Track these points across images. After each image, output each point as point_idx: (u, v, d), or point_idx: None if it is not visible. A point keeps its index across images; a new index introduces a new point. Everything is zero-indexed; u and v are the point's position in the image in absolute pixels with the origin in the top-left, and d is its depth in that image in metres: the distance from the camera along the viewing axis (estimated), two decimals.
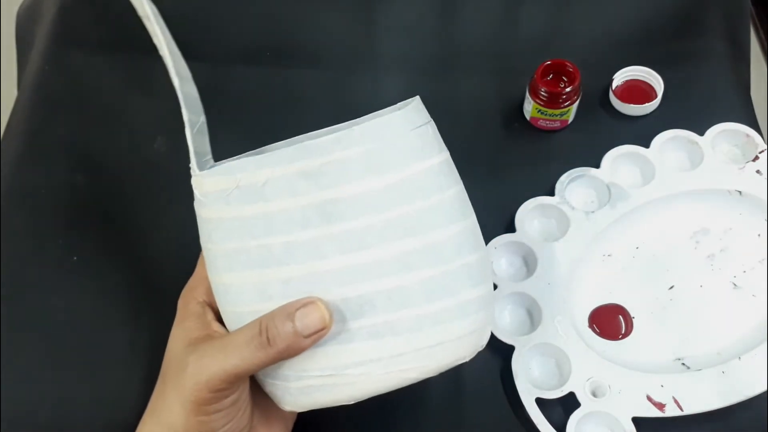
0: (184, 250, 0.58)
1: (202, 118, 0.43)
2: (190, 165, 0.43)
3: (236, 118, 0.65)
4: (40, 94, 0.67)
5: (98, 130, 0.65)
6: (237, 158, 0.44)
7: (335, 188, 0.39)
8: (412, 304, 0.40)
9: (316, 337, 0.40)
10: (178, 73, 0.43)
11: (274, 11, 0.71)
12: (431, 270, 0.40)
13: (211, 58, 0.68)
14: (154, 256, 0.59)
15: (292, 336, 0.39)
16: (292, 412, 0.48)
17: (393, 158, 0.40)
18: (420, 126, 0.42)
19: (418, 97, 0.44)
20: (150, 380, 0.53)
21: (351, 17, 0.71)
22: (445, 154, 0.43)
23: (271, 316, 0.40)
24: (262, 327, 0.40)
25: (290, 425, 0.48)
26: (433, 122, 0.44)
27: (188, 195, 0.62)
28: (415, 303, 0.40)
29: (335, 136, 0.39)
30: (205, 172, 0.41)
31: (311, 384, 0.41)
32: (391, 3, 0.72)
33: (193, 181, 0.43)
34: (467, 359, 0.43)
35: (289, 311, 0.39)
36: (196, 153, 0.43)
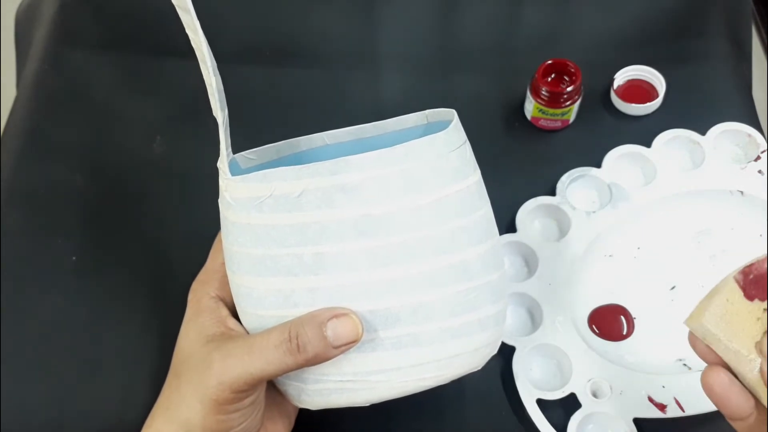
0: (184, 249, 0.59)
1: (226, 113, 0.43)
2: (219, 165, 0.43)
3: (235, 117, 0.65)
4: (39, 94, 0.67)
5: (97, 130, 0.65)
6: (247, 154, 0.42)
7: (373, 204, 0.39)
8: (436, 318, 0.40)
9: (346, 348, 0.40)
10: (214, 70, 0.41)
11: (274, 11, 0.71)
12: (458, 287, 0.41)
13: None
14: (154, 256, 0.59)
15: (323, 345, 0.39)
16: (295, 408, 0.48)
17: (432, 178, 0.40)
18: (459, 147, 0.42)
19: (455, 112, 0.44)
20: (151, 380, 0.53)
21: (351, 16, 0.71)
22: (478, 174, 0.44)
23: (301, 322, 0.40)
24: (292, 333, 0.40)
25: (293, 419, 0.48)
26: (468, 141, 0.44)
27: (187, 194, 0.62)
28: (440, 317, 0.41)
29: (377, 154, 0.39)
30: (239, 177, 0.41)
31: (329, 387, 0.42)
32: (391, 2, 0.72)
33: (223, 184, 0.42)
34: (479, 368, 0.44)
35: (320, 320, 0.39)
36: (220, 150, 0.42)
